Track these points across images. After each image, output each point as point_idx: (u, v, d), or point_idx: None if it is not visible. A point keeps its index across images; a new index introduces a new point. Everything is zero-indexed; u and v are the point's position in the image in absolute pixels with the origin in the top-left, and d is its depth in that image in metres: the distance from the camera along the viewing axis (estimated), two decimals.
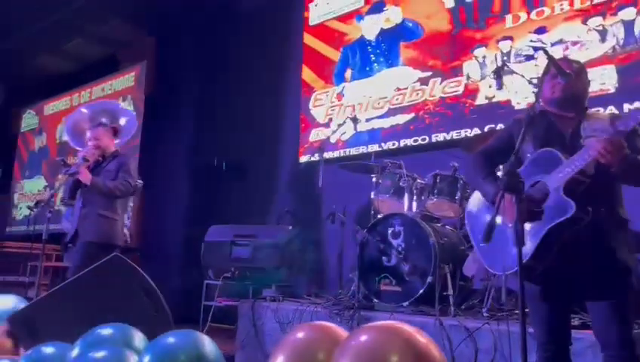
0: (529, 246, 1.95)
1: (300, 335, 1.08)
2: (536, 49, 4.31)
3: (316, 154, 5.52)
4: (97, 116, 3.81)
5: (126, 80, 7.89)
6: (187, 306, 4.68)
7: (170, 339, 1.31)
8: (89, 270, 2.07)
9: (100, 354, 1.40)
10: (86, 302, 1.93)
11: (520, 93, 4.37)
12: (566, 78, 2.12)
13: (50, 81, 9.09)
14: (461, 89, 4.79)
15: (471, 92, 4.73)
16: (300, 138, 5.95)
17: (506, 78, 4.40)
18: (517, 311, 2.86)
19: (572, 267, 1.95)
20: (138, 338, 1.58)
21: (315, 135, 5.82)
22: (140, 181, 3.77)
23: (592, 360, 2.35)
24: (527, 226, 1.99)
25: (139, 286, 1.99)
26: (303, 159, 5.85)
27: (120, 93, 7.95)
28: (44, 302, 2.03)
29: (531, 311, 2.12)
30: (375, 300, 3.46)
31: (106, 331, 1.55)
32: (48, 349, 1.61)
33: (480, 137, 3.73)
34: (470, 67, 4.75)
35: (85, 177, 3.51)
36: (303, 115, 5.99)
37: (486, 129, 4.47)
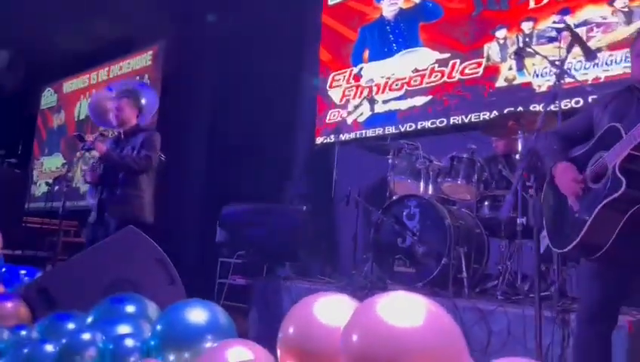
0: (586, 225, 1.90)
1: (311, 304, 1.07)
2: (559, 30, 4.20)
3: (332, 136, 5.51)
4: (120, 95, 3.78)
5: (143, 59, 7.90)
6: (201, 284, 4.72)
7: (182, 308, 1.32)
8: (104, 242, 2.09)
9: (114, 323, 1.42)
10: (101, 272, 1.95)
11: (541, 76, 4.28)
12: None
13: (69, 60, 9.14)
14: (481, 71, 4.71)
15: (491, 74, 4.64)
16: (316, 119, 5.92)
17: (527, 61, 4.34)
18: (532, 295, 2.84)
19: (630, 248, 1.87)
20: (152, 308, 1.60)
21: (332, 116, 5.79)
22: (162, 156, 3.72)
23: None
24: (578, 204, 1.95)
25: (153, 259, 2.01)
26: (319, 140, 5.83)
27: (137, 72, 7.97)
28: (59, 273, 2.06)
29: (581, 288, 2.07)
30: (389, 281, 3.45)
31: (119, 301, 1.57)
32: (63, 317, 1.63)
33: (500, 119, 3.66)
34: (491, 49, 4.66)
35: (100, 149, 3.48)
36: (319, 96, 5.95)
37: (505, 112, 4.39)
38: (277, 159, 5.93)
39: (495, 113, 4.47)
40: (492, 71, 4.63)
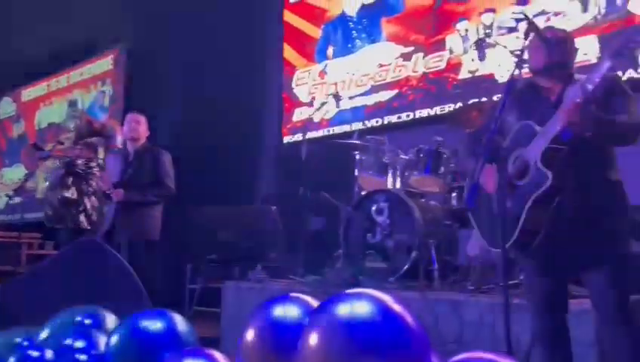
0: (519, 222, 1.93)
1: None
2: (518, 20, 4.25)
3: (299, 134, 5.47)
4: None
5: (104, 63, 7.73)
6: (172, 290, 4.63)
7: (138, 319, 1.26)
8: (61, 252, 2.01)
9: (69, 336, 1.35)
10: (59, 284, 1.87)
11: (503, 66, 4.31)
12: (547, 45, 2.08)
13: (26, 67, 8.87)
14: (444, 64, 4.73)
15: (454, 66, 4.67)
16: (283, 118, 5.87)
17: (489, 52, 4.38)
18: (501, 284, 2.85)
19: (562, 237, 1.93)
20: (110, 319, 1.53)
21: (299, 114, 5.74)
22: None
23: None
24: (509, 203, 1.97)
25: (113, 268, 1.94)
26: (287, 139, 5.78)
27: (98, 78, 7.79)
28: (16, 286, 1.97)
29: (527, 284, 2.13)
30: (361, 277, 3.44)
31: (75, 313, 1.50)
32: (14, 333, 1.55)
33: (464, 110, 3.68)
34: (453, 41, 4.69)
35: (118, 195, 3.59)
36: (285, 95, 5.90)
37: (469, 103, 4.42)
38: (245, 160, 5.86)
39: (460, 105, 4.50)
40: (455, 63, 4.66)
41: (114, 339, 1.25)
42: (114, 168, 3.83)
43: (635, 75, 3.59)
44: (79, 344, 1.30)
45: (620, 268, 1.91)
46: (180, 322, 1.29)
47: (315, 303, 1.07)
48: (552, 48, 2.03)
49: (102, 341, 1.35)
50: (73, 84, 8.24)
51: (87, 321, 1.49)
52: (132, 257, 3.42)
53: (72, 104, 8.15)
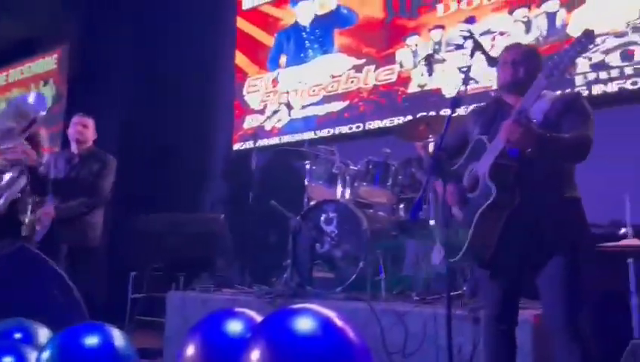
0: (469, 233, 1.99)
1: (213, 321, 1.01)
2: (465, 38, 4.39)
3: (250, 142, 5.42)
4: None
5: (47, 63, 7.43)
6: (114, 299, 4.47)
7: (72, 334, 1.20)
8: None
9: None
10: None
11: (451, 82, 4.44)
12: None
13: None
14: (394, 77, 4.82)
15: (404, 80, 4.76)
16: (234, 125, 5.82)
17: (437, 67, 4.49)
18: (445, 295, 2.91)
19: (514, 251, 1.99)
20: (42, 333, 1.46)
21: (250, 122, 5.70)
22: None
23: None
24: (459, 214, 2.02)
25: (48, 277, 1.85)
26: (237, 147, 5.73)
27: (40, 77, 7.48)
28: None
29: (482, 292, 2.17)
30: (308, 287, 3.43)
31: (4, 326, 1.41)
32: None
33: (412, 124, 3.76)
34: (403, 55, 4.79)
35: (48, 212, 3.44)
36: (237, 102, 5.85)
37: (417, 116, 4.51)
38: (194, 166, 5.76)
39: (409, 118, 4.59)
40: (405, 77, 4.75)
41: (45, 355, 1.18)
42: (53, 168, 3.70)
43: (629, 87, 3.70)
44: (7, 360, 1.22)
45: (572, 279, 1.95)
46: (118, 336, 1.24)
47: (258, 318, 1.05)
48: (518, 65, 2.08)
49: (32, 356, 1.28)
50: (12, 82, 7.89)
51: (17, 335, 1.40)
52: (71, 265, 3.29)
53: None
